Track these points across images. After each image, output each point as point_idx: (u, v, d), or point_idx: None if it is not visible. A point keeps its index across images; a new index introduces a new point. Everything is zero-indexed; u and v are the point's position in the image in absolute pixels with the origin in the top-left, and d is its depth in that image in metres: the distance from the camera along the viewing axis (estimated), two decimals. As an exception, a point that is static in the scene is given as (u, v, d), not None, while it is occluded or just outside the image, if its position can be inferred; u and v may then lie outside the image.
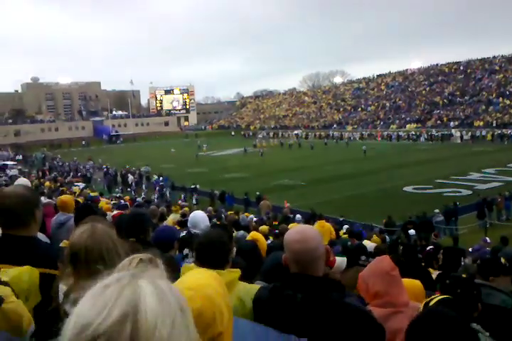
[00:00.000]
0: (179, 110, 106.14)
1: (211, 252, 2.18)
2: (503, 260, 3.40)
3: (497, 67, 66.04)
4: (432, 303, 2.34)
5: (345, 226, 11.65)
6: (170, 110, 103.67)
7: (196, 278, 1.50)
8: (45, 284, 1.96)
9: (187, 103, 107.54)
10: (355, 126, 66.95)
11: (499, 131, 46.81)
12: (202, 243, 2.28)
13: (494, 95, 58.37)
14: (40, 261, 2.09)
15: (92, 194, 16.94)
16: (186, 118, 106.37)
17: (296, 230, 1.97)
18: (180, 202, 22.43)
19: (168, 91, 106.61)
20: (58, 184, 22.80)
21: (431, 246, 7.71)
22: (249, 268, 3.36)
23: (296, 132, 69.30)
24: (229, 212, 15.98)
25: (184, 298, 0.77)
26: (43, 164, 45.00)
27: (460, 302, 2.60)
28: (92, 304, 0.68)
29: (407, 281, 3.33)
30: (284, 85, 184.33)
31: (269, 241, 7.66)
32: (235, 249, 2.89)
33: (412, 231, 11.99)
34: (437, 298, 2.45)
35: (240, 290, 2.17)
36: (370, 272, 2.59)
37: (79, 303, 0.71)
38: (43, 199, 6.57)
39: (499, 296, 3.06)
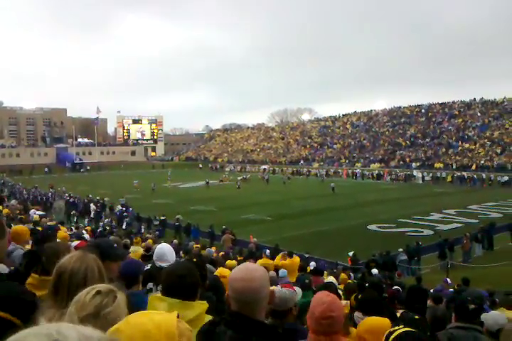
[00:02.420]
0: (147, 140, 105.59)
1: (180, 284, 2.16)
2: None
3: (456, 112, 69.20)
4: (392, 337, 2.33)
5: (312, 263, 11.62)
6: (137, 140, 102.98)
7: (147, 317, 1.41)
8: None
9: (155, 133, 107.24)
10: (322, 163, 68.10)
11: (458, 173, 48.51)
12: (171, 274, 2.26)
13: (454, 138, 60.88)
14: None
15: (49, 223, 16.35)
16: (154, 149, 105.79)
17: (241, 268, 1.86)
18: (145, 232, 21.99)
19: (136, 121, 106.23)
20: (18, 211, 21.98)
21: (396, 287, 7.77)
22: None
23: (264, 167, 69.79)
24: (194, 246, 15.72)
25: None
26: (1, 190, 43.46)
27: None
28: None
29: (376, 319, 3.34)
30: (253, 120, 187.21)
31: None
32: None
33: (374, 271, 12.05)
34: (399, 330, 2.44)
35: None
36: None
37: None
38: None
39: (485, 339, 3.12)
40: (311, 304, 2.37)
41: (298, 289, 8.31)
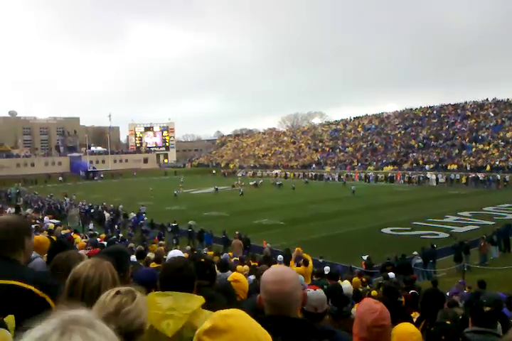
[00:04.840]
0: (159, 147, 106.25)
1: (177, 276, 2.22)
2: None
3: (469, 113, 68.53)
4: None
5: (326, 268, 11.55)
6: (149, 147, 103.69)
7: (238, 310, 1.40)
8: (15, 298, 2.01)
9: (167, 140, 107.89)
10: (334, 167, 67.86)
11: (473, 175, 47.97)
12: (169, 267, 2.34)
13: (467, 139, 60.26)
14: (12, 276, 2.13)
15: (63, 232, 16.50)
16: (166, 156, 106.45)
17: (273, 271, 1.89)
18: (158, 240, 22.05)
19: (147, 128, 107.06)
20: (32, 220, 22.23)
21: (413, 290, 7.69)
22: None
23: (275, 171, 69.76)
24: (208, 252, 15.72)
25: None
26: (17, 200, 44.12)
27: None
28: None
29: (404, 326, 3.26)
30: (264, 125, 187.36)
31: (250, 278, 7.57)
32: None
33: (391, 274, 11.95)
34: None
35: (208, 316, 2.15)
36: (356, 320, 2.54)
37: None
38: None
39: None
40: (358, 311, 2.36)
41: (348, 284, 8.29)
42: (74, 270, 1.89)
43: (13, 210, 28.58)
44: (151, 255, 12.55)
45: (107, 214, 30.47)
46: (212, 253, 15.53)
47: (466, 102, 73.03)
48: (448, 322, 3.21)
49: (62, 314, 0.76)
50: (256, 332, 1.33)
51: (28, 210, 32.36)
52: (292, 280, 1.81)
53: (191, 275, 2.29)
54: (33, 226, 18.32)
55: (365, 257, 16.76)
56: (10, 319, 1.93)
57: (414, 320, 5.72)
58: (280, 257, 12.78)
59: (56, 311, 1.77)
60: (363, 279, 11.67)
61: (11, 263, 2.28)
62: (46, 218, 25.64)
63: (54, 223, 21.22)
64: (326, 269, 11.15)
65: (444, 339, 2.68)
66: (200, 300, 2.16)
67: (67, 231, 17.89)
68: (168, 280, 2.23)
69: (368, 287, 10.31)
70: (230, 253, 16.19)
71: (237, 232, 21.78)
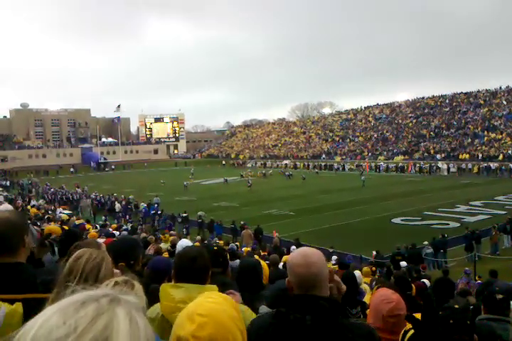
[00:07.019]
0: (169, 138, 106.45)
1: (192, 266, 2.20)
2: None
3: (481, 101, 67.62)
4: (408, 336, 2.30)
5: (334, 257, 11.56)
6: (159, 138, 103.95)
7: (208, 302, 1.43)
8: (30, 310, 1.88)
9: (177, 131, 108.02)
10: (344, 157, 67.55)
11: (485, 164, 47.49)
12: (183, 256, 2.31)
13: (479, 128, 59.56)
14: (23, 287, 2.00)
15: (77, 222, 16.70)
16: (176, 147, 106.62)
17: (299, 253, 1.89)
18: (168, 230, 22.19)
19: (157, 119, 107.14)
20: (43, 211, 22.52)
21: (423, 280, 7.68)
22: (251, 285, 3.34)
23: (285, 162, 69.65)
24: (219, 241, 15.83)
25: (153, 335, 0.73)
26: (29, 190, 44.62)
27: (453, 332, 2.59)
28: (62, 321, 0.63)
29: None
30: (273, 115, 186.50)
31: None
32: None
33: (403, 263, 11.95)
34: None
35: None
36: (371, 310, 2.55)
37: (45, 312, 0.66)
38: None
39: None
40: (373, 301, 2.37)
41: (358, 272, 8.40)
42: (78, 251, 1.93)
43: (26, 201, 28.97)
44: (163, 245, 12.68)
45: (117, 205, 30.73)
46: (222, 242, 15.64)
47: (478, 91, 71.97)
48: (456, 306, 3.21)
49: (116, 289, 0.78)
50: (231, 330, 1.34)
51: (41, 201, 32.75)
52: (318, 261, 1.83)
53: (206, 265, 2.27)
54: (46, 216, 18.56)
55: (374, 252, 16.67)
56: (18, 306, 1.95)
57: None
58: (293, 248, 12.81)
59: (52, 295, 1.77)
60: (373, 269, 11.69)
61: (17, 272, 2.08)
62: (60, 209, 25.95)
63: (66, 214, 21.45)
64: (334, 259, 11.17)
65: (452, 323, 2.68)
66: (214, 290, 2.17)
67: (81, 221, 18.09)
68: (183, 270, 2.22)
69: (376, 276, 10.33)
70: (237, 243, 16.25)
71: (242, 222, 21.79)
